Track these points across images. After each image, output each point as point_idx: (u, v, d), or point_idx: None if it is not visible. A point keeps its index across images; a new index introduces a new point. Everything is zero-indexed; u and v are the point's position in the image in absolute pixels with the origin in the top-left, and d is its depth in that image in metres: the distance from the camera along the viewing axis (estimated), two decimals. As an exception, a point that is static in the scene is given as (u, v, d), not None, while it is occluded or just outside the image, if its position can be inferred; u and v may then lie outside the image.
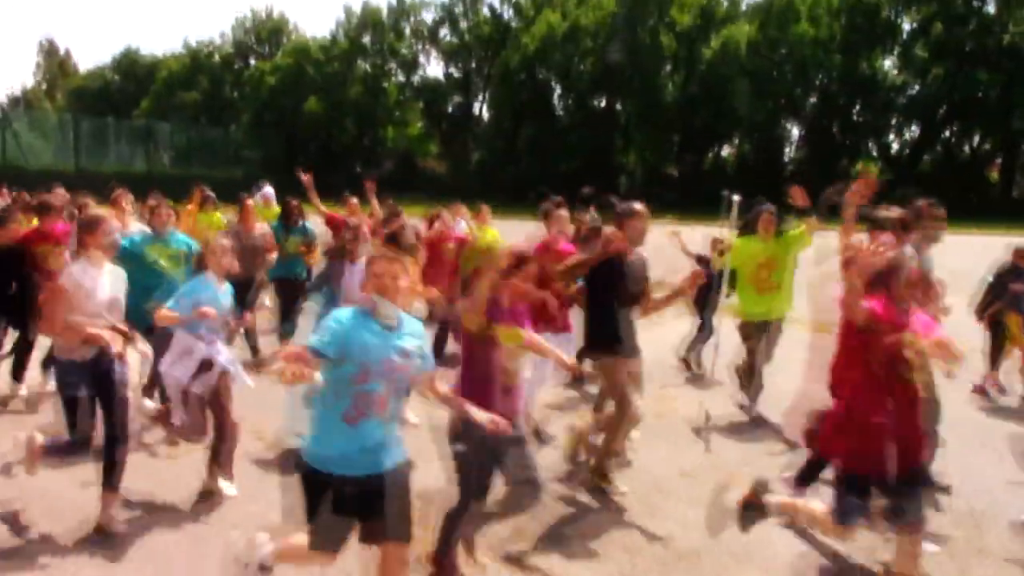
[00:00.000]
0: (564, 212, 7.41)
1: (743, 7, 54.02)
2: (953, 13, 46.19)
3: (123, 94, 68.72)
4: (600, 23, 51.95)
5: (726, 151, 56.90)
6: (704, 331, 9.23)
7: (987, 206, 41.22)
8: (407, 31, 63.24)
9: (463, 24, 62.20)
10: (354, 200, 10.61)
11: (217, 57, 68.66)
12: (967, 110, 46.07)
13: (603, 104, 54.99)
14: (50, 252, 7.08)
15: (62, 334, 4.75)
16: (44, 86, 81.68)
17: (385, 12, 62.29)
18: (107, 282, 4.92)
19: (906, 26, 49.77)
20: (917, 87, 48.28)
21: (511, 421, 3.92)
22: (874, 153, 52.37)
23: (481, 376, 4.12)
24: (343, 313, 3.50)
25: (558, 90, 56.60)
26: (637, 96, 50.95)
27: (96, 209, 6.84)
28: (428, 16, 63.02)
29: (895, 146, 52.59)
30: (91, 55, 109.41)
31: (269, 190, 12.24)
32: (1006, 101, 43.95)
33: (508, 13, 61.01)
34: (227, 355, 5.38)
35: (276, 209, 11.49)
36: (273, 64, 63.19)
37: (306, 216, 9.79)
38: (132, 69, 71.92)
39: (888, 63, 50.47)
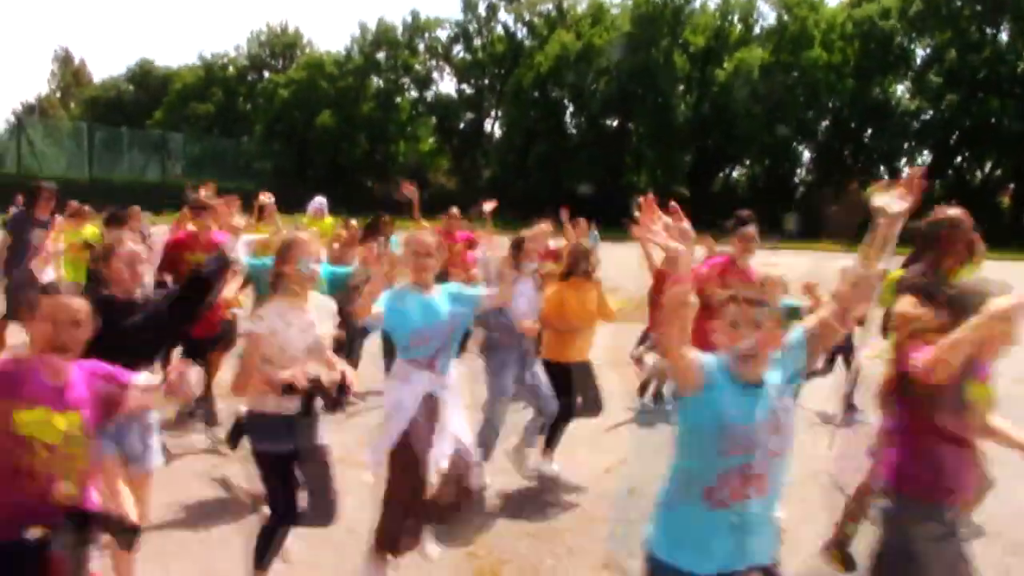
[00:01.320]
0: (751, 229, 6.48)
1: (756, 31, 54.22)
2: (967, 40, 46.24)
3: (137, 104, 69.08)
4: (614, 44, 52.10)
5: (737, 173, 56.96)
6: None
7: (999, 232, 40.96)
8: (421, 48, 63.60)
9: (477, 42, 62.54)
10: (455, 209, 10.22)
11: (231, 69, 69.07)
12: (979, 137, 46.00)
13: (615, 124, 55.08)
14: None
15: (255, 390, 4.02)
16: (58, 95, 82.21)
17: (400, 29, 62.69)
18: (309, 323, 4.10)
19: (919, 52, 49.86)
20: (930, 113, 48.24)
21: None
22: (885, 178, 52.21)
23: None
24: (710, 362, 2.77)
25: (570, 108, 56.73)
26: (649, 116, 51.03)
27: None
28: (442, 33, 63.48)
29: (907, 171, 52.29)
30: (106, 65, 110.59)
31: (321, 200, 11.93)
32: (1019, 128, 43.84)
33: (522, 32, 61.38)
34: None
35: (328, 221, 11.46)
36: (287, 77, 63.53)
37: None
38: (146, 80, 72.34)
39: (901, 89, 50.52)
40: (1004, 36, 46.86)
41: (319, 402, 3.97)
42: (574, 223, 9.74)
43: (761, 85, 48.45)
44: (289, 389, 3.86)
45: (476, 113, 62.79)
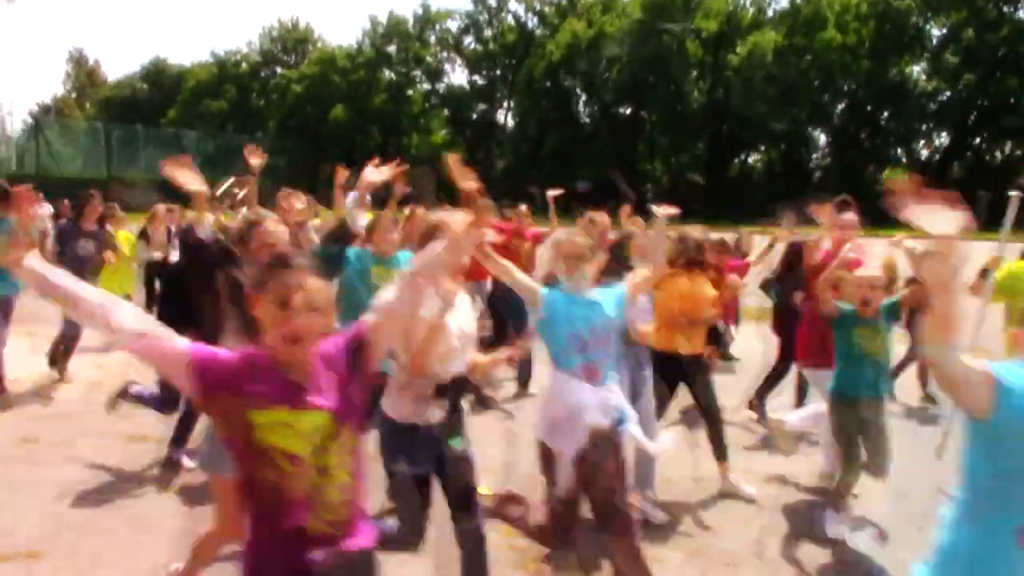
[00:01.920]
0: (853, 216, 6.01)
1: (769, 14, 53.77)
2: (984, 19, 45.67)
3: (151, 103, 69.34)
4: (625, 31, 51.79)
5: (752, 158, 56.61)
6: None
7: (1019, 213, 40.60)
8: (432, 40, 63.53)
9: (487, 32, 62.37)
10: (523, 206, 9.68)
11: (244, 66, 69.20)
12: (998, 117, 45.46)
13: (628, 111, 54.83)
14: None
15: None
16: (74, 95, 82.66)
17: (410, 21, 62.63)
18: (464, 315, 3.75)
19: (936, 32, 49.29)
20: (947, 94, 47.72)
21: None
22: (903, 160, 51.85)
23: None
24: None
25: (583, 97, 56.51)
26: (662, 103, 50.79)
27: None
28: (453, 25, 63.37)
29: (924, 153, 52.03)
30: (120, 65, 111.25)
31: (356, 194, 11.71)
32: (1039, 108, 43.40)
33: (532, 21, 61.14)
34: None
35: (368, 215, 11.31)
36: (299, 73, 63.65)
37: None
38: (160, 78, 72.60)
39: (917, 70, 49.99)
40: (1022, 14, 46.24)
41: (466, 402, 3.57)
42: (623, 211, 8.85)
43: (775, 69, 48.10)
44: (442, 390, 3.49)
45: (488, 104, 62.68)
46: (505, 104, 62.52)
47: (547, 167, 52.14)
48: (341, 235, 5.25)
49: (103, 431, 6.53)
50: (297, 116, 60.58)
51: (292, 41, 69.55)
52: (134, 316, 2.17)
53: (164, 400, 5.61)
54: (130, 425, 6.51)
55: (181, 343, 2.17)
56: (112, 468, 5.74)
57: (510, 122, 61.69)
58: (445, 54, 64.09)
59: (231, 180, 11.30)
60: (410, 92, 62.45)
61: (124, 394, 5.77)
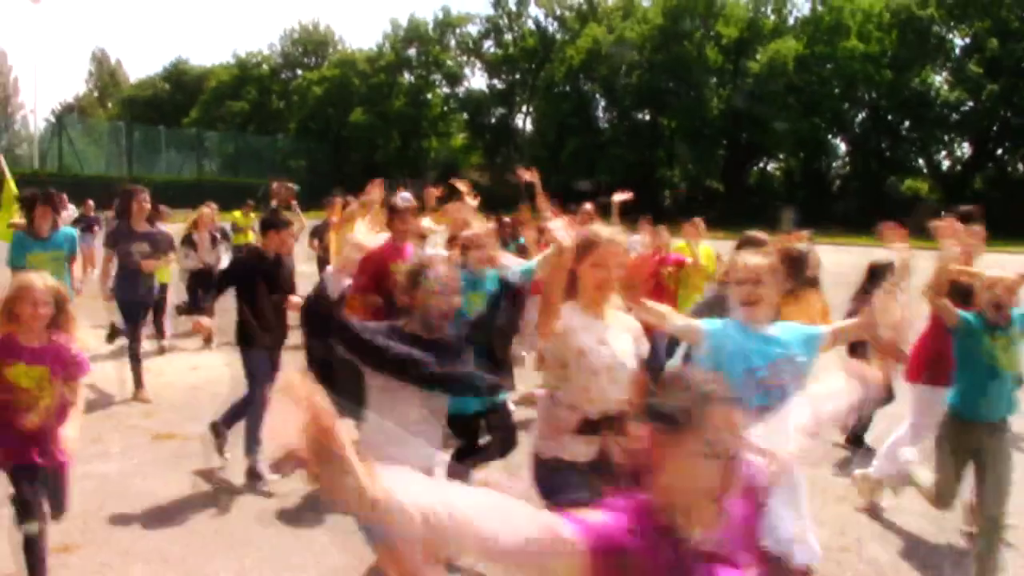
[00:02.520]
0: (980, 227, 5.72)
1: (790, 22, 53.56)
2: (1007, 29, 45.25)
3: (172, 103, 69.89)
4: (646, 37, 51.72)
5: (771, 166, 56.41)
6: None
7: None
8: (452, 44, 63.73)
9: (507, 37, 62.48)
10: (588, 206, 9.17)
11: (265, 68, 69.62)
12: (1021, 127, 45.06)
13: (647, 117, 54.76)
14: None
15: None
16: (96, 95, 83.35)
17: (431, 25, 62.79)
18: (617, 339, 3.42)
19: (958, 41, 48.92)
20: (970, 104, 47.34)
21: None
22: (924, 170, 51.53)
23: None
24: None
25: (602, 103, 56.47)
26: (682, 110, 50.66)
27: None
28: (473, 29, 63.49)
29: (945, 163, 51.66)
30: (142, 65, 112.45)
31: (406, 197, 11.09)
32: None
33: (552, 26, 61.20)
34: None
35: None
36: (319, 75, 63.97)
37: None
38: (182, 79, 73.15)
39: (939, 79, 49.64)
40: (1047, 24, 45.84)
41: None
42: (692, 222, 8.37)
43: (796, 77, 47.92)
44: (592, 427, 3.22)
45: (507, 108, 62.75)
46: (524, 108, 62.62)
47: (566, 171, 52.18)
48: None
49: (130, 427, 6.67)
50: (317, 118, 60.90)
51: (313, 44, 69.95)
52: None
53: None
54: (157, 423, 6.62)
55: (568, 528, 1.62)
56: (140, 464, 5.84)
57: (528, 126, 61.82)
58: (465, 58, 64.29)
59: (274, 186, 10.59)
60: (429, 96, 62.65)
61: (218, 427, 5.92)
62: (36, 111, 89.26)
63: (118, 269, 7.75)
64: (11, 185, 9.36)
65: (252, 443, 5.69)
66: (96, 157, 51.52)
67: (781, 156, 54.48)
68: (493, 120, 62.96)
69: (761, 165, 55.78)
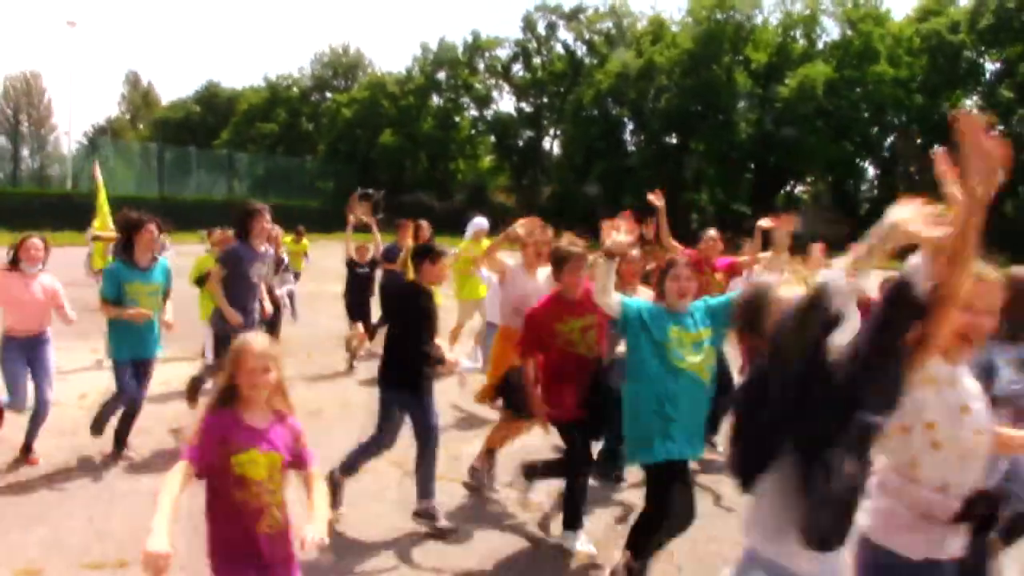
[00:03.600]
0: None
1: (820, 46, 53.45)
2: (1040, 54, 44.96)
3: (204, 125, 70.88)
4: (675, 61, 51.80)
5: (799, 190, 56.16)
6: None
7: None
8: (481, 67, 64.14)
9: (536, 60, 62.84)
10: (712, 231, 8.26)
11: (295, 90, 70.43)
12: (1054, 153, 44.55)
13: (675, 141, 54.74)
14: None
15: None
16: (128, 116, 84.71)
17: (460, 49, 63.29)
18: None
19: (989, 67, 48.56)
20: (1001, 127, 46.90)
21: None
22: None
23: None
24: None
25: (630, 126, 56.54)
26: (710, 133, 50.60)
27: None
28: (502, 53, 63.90)
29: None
30: (174, 87, 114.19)
31: (481, 221, 10.31)
32: (1096, 144, 42.42)
33: (581, 50, 61.49)
34: None
35: (487, 244, 9.86)
36: (349, 97, 64.61)
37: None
38: (213, 101, 74.21)
39: (970, 103, 49.24)
40: (1079, 49, 45.42)
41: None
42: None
43: (825, 101, 47.76)
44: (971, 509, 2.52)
45: (535, 131, 63.03)
46: (552, 131, 62.89)
47: (593, 194, 52.23)
48: None
49: (172, 444, 6.88)
50: (346, 140, 61.41)
51: (343, 66, 70.76)
52: None
53: None
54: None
55: None
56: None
57: (556, 149, 62.01)
58: (493, 81, 64.70)
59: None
60: (458, 118, 63.05)
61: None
62: (71, 133, 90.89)
63: (230, 290, 7.03)
64: (103, 196, 9.25)
65: (351, 467, 5.45)
66: (128, 178, 52.20)
67: (809, 180, 54.23)
68: (521, 143, 63.24)
69: (788, 188, 55.52)
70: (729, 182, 52.19)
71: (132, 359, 6.50)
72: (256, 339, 3.13)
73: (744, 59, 52.24)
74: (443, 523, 5.27)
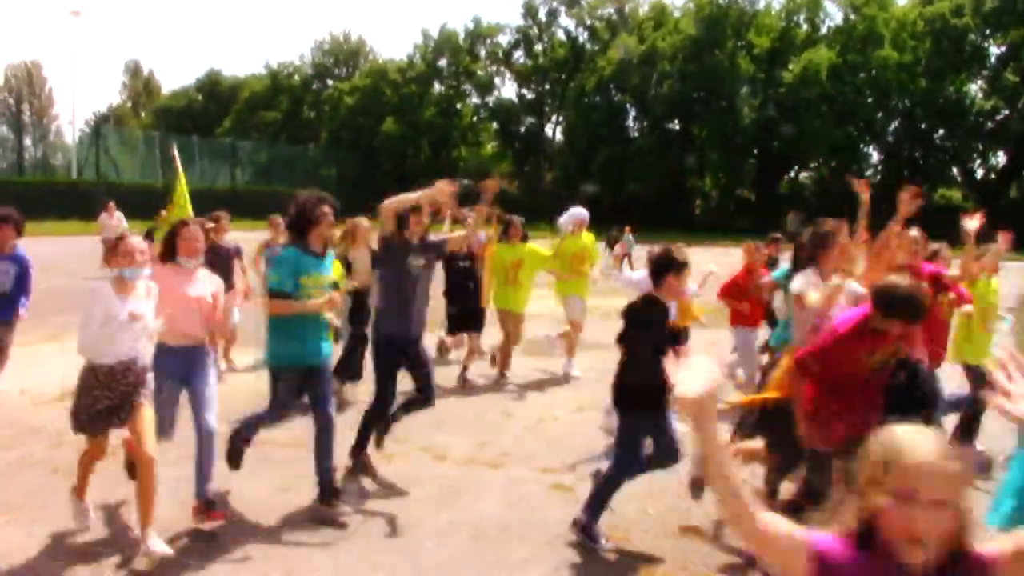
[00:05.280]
0: None
1: (823, 31, 53.29)
2: (1046, 37, 44.83)
3: (206, 113, 70.79)
4: (677, 47, 51.68)
5: (803, 175, 56.08)
6: None
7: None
8: (482, 54, 64.00)
9: (538, 47, 62.68)
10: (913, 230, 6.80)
11: (297, 78, 70.31)
12: (1059, 136, 44.49)
13: (678, 127, 54.68)
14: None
15: None
16: (130, 105, 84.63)
17: (462, 35, 63.15)
18: None
19: (994, 50, 48.40)
20: (1006, 112, 46.79)
21: None
22: (958, 179, 50.99)
23: None
24: None
25: (633, 112, 56.46)
26: (713, 119, 50.52)
27: None
28: (503, 39, 63.77)
29: (980, 172, 51.09)
30: (175, 76, 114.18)
31: (580, 212, 9.39)
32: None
33: (583, 36, 61.33)
34: None
35: (588, 237, 9.38)
36: (351, 85, 64.56)
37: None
38: (215, 89, 74.05)
39: (975, 88, 49.12)
40: (1084, 32, 45.25)
41: None
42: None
43: (829, 86, 47.63)
44: None
45: (537, 117, 62.94)
46: (554, 118, 62.80)
47: (596, 181, 52.25)
48: None
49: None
50: (348, 128, 61.42)
51: (345, 54, 70.62)
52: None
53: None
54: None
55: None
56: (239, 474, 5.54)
57: (559, 136, 61.94)
58: (495, 68, 64.58)
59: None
60: (460, 105, 62.98)
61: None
62: (75, 122, 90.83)
63: (383, 296, 5.92)
64: (183, 183, 8.81)
65: (597, 508, 4.93)
66: (131, 166, 52.19)
67: (813, 165, 54.17)
68: (523, 129, 63.16)
69: (792, 174, 55.45)
70: (732, 168, 52.16)
71: (298, 364, 5.16)
72: None
73: (747, 44, 52.13)
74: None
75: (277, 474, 5.73)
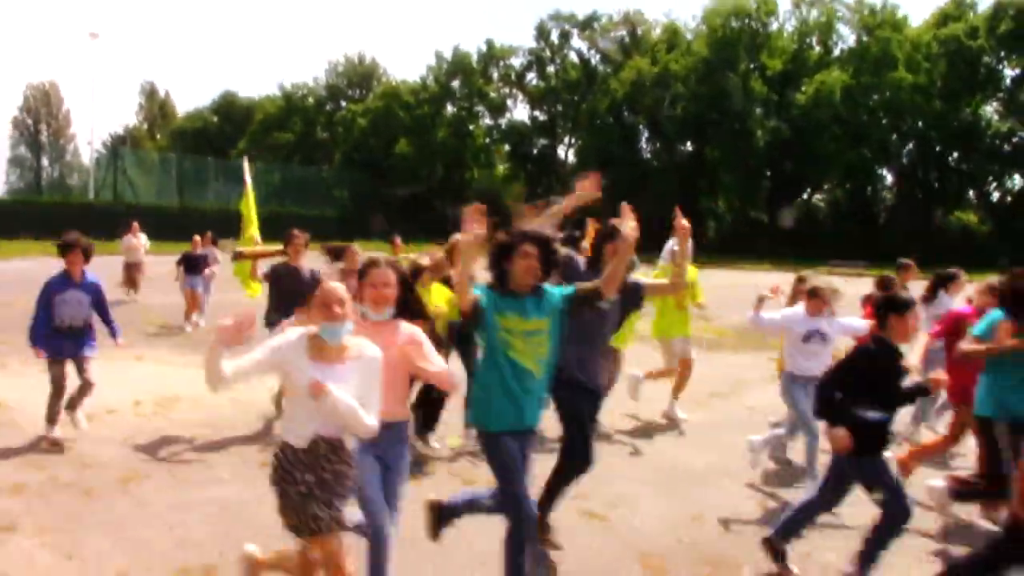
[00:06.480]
0: None
1: (836, 52, 53.30)
2: (1061, 59, 44.70)
3: (221, 134, 71.22)
4: (690, 69, 51.74)
5: (817, 197, 55.93)
6: None
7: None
8: (495, 76, 64.25)
9: (550, 69, 62.89)
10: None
11: (311, 100, 70.71)
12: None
13: (691, 149, 54.66)
14: None
15: None
16: (145, 126, 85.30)
17: (475, 57, 63.42)
18: None
19: (1009, 72, 48.21)
20: (1021, 135, 46.58)
21: None
22: (973, 202, 50.73)
23: None
24: None
25: (645, 134, 56.47)
26: (726, 141, 50.46)
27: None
28: (516, 61, 64.05)
29: (995, 195, 50.78)
30: (191, 97, 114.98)
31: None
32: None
33: (595, 59, 61.53)
34: None
35: (692, 271, 8.03)
36: (364, 106, 64.85)
37: None
38: (230, 111, 74.56)
39: (990, 110, 48.94)
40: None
41: None
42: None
43: (842, 108, 47.54)
44: None
45: (549, 139, 63.05)
46: (566, 139, 62.89)
47: (609, 203, 52.11)
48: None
49: (241, 455, 6.68)
50: (361, 149, 61.65)
51: (358, 76, 71.06)
52: None
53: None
54: (265, 455, 6.42)
55: None
56: (251, 489, 5.70)
57: (571, 157, 61.95)
58: (508, 90, 64.78)
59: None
60: (472, 127, 63.15)
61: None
62: (92, 142, 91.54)
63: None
64: (252, 203, 8.54)
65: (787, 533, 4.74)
66: (147, 187, 52.54)
67: (827, 187, 54.02)
68: (535, 151, 63.25)
69: (805, 196, 55.28)
70: (746, 189, 52.01)
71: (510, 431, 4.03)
72: None
73: (760, 66, 52.13)
74: None
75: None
